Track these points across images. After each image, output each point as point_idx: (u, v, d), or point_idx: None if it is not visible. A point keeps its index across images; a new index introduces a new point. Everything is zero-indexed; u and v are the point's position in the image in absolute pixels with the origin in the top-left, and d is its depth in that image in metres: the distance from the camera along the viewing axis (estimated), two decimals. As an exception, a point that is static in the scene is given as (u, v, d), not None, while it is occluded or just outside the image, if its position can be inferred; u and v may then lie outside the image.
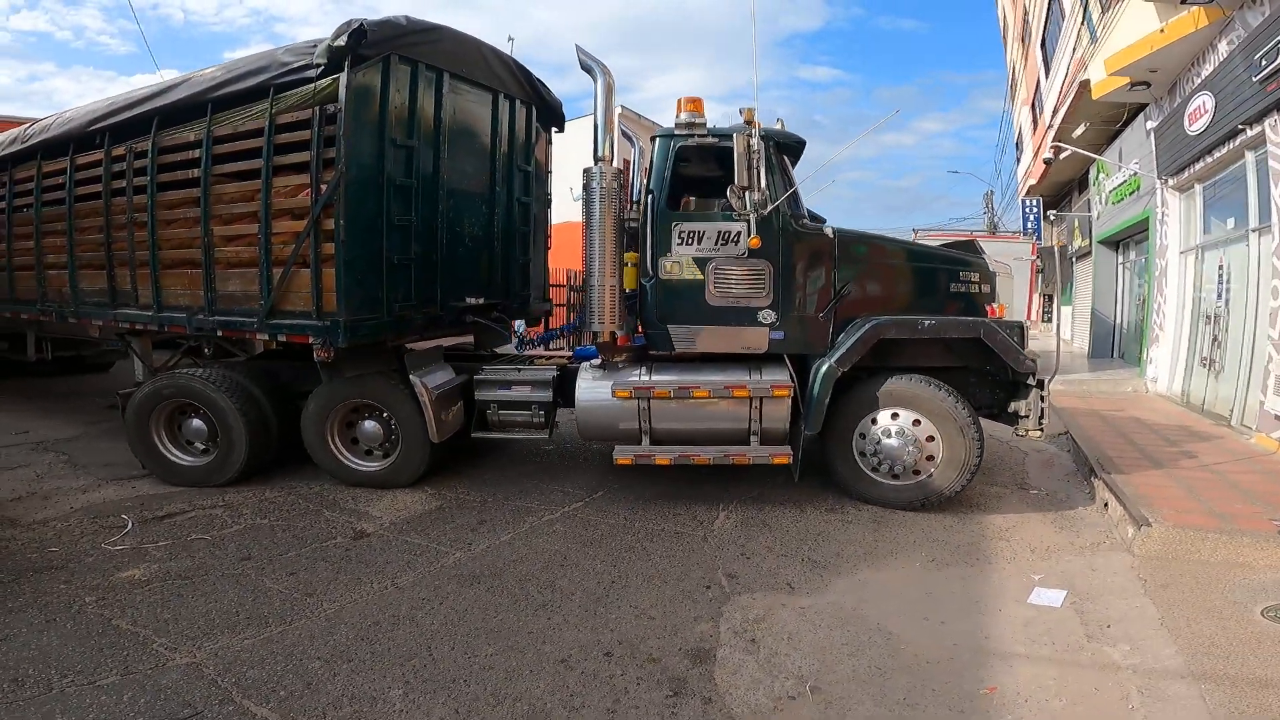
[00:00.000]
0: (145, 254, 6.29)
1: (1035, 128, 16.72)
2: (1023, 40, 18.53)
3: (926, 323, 5.43)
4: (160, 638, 3.49)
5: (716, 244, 5.38)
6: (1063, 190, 18.93)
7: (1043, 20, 15.72)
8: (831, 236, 5.52)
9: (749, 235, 5.26)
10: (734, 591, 4.08)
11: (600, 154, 5.27)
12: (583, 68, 5.26)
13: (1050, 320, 23.10)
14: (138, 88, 6.51)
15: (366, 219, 5.42)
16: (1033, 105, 17.34)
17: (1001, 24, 21.67)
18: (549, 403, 5.94)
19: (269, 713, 2.90)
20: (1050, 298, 23.16)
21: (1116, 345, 14.51)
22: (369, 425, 5.98)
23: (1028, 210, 17.91)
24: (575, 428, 5.84)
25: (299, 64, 5.31)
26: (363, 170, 5.37)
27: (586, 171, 5.32)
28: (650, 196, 5.43)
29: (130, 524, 5.12)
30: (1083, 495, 5.96)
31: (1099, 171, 13.95)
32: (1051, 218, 18.87)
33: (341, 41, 5.06)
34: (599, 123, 5.27)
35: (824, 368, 5.32)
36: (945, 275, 5.72)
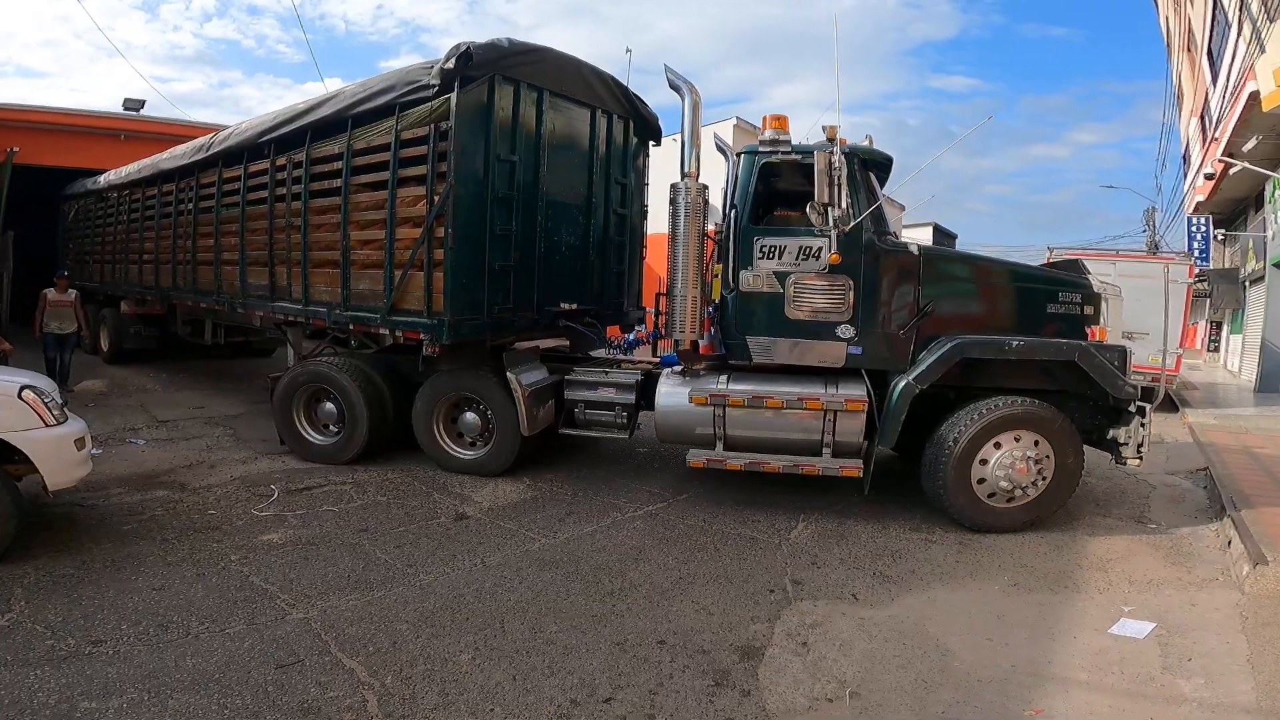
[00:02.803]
0: (298, 254, 7.16)
1: (1204, 140, 15.21)
2: (1188, 49, 16.93)
3: (1014, 343, 5.24)
4: (284, 594, 4.05)
5: (797, 259, 5.42)
6: (1236, 208, 17.05)
7: (1207, 29, 14.32)
8: (917, 254, 5.45)
9: (830, 251, 5.29)
10: (796, 597, 4.18)
11: (687, 170, 5.44)
12: (671, 87, 5.44)
13: (1217, 349, 20.90)
14: (297, 102, 7.38)
15: (472, 228, 5.90)
16: (1201, 117, 15.80)
17: (1164, 32, 19.85)
18: (632, 405, 6.20)
19: (357, 665, 3.34)
20: (1219, 324, 20.95)
21: (1289, 378, 12.98)
22: (469, 416, 6.48)
23: (1194, 229, 16.26)
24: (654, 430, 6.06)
25: (420, 83, 5.85)
26: (469, 184, 5.84)
27: (673, 187, 5.52)
28: (734, 211, 5.56)
29: (276, 493, 5.86)
30: (1207, 532, 5.51)
31: (1275, 188, 12.54)
32: (1220, 237, 17.04)
33: (451, 64, 5.56)
34: (685, 139, 5.43)
35: (901, 385, 5.26)
36: (1042, 296, 5.53)
